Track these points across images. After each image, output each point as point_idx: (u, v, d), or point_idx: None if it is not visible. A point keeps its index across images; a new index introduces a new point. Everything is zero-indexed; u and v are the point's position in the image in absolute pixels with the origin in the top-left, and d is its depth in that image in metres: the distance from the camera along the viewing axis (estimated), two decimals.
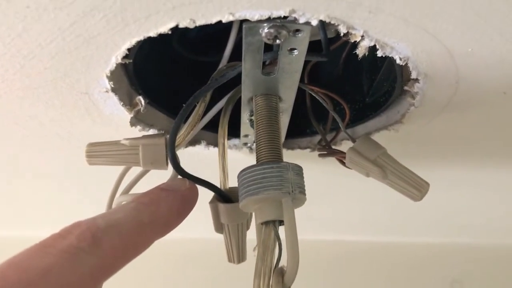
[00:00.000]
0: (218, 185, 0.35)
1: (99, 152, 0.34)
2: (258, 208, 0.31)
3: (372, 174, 0.34)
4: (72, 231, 0.23)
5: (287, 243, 0.29)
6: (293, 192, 0.30)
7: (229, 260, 0.37)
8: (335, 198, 0.65)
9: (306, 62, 0.37)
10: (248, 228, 0.37)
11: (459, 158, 0.47)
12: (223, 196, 0.35)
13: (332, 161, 0.38)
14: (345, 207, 0.69)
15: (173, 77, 0.42)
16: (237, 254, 0.37)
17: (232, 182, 0.35)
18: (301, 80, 0.36)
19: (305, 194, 0.31)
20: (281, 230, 0.30)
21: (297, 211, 0.33)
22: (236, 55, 0.32)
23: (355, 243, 0.84)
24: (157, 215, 0.26)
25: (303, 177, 0.32)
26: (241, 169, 0.31)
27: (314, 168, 0.48)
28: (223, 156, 0.36)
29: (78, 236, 0.22)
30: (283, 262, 0.29)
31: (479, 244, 0.84)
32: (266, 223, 0.30)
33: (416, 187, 0.32)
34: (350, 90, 0.41)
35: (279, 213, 0.30)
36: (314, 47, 0.32)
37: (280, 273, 0.29)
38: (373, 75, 0.38)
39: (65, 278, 0.21)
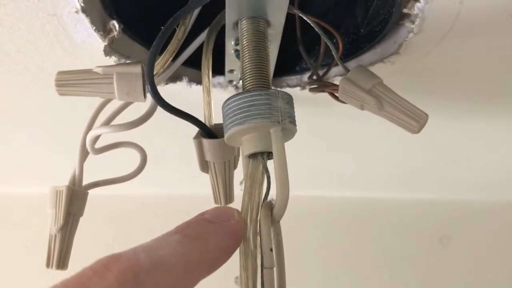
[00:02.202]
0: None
1: (70, 81, 0.31)
2: (245, 139, 0.28)
3: (367, 105, 0.31)
4: (111, 267, 0.19)
5: (276, 176, 0.27)
6: (282, 121, 0.28)
7: (216, 202, 0.35)
8: (325, 148, 0.63)
9: None
10: (235, 167, 0.35)
11: (455, 97, 0.45)
12: (208, 132, 0.32)
13: (323, 103, 0.36)
14: (334, 158, 0.67)
15: (153, 6, 0.38)
16: (224, 194, 0.34)
17: (218, 120, 0.33)
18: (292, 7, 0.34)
19: (295, 125, 0.29)
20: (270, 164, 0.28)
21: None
22: None
23: (343, 199, 0.83)
24: (206, 252, 0.23)
25: (293, 106, 0.29)
26: None
27: (303, 111, 0.46)
28: (207, 89, 0.34)
29: (118, 277, 0.19)
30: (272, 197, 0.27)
31: (468, 200, 0.84)
32: (253, 155, 0.28)
33: (414, 118, 0.30)
34: (343, 22, 0.39)
35: (267, 144, 0.28)
36: None
37: (269, 206, 0.27)
38: (369, 2, 0.35)
39: None
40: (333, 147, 0.63)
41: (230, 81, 0.40)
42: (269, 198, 0.28)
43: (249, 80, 0.29)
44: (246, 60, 0.30)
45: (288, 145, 0.29)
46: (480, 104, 0.46)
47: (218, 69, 0.38)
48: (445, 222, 0.86)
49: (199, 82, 0.40)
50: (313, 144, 0.61)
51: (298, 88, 0.41)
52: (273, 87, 0.29)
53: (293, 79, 0.41)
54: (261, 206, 0.27)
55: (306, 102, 0.42)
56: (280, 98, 0.28)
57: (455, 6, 0.29)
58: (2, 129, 0.52)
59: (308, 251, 0.85)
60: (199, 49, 0.35)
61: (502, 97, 0.44)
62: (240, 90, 0.33)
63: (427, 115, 0.30)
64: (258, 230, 0.26)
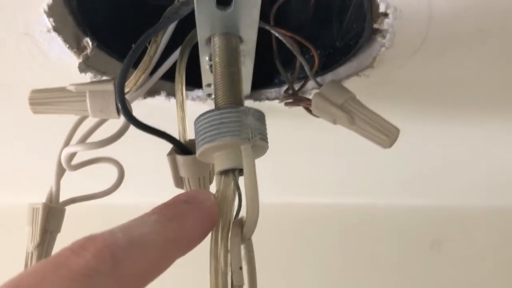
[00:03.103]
0: (177, 137, 0.33)
1: (43, 100, 0.31)
2: (216, 156, 0.29)
3: (339, 120, 0.31)
4: (87, 247, 0.19)
5: (246, 193, 0.27)
6: (253, 138, 0.28)
7: None
8: (309, 159, 0.64)
9: (272, 2, 0.34)
10: (211, 182, 0.35)
11: (433, 107, 0.45)
12: (182, 148, 0.32)
13: (302, 115, 0.36)
14: (320, 166, 0.67)
15: (128, 21, 0.39)
16: None
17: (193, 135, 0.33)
18: (267, 22, 0.34)
19: (267, 141, 0.29)
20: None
21: (264, 169, 0.30)
22: None
23: (333, 206, 0.83)
24: (183, 231, 0.23)
25: (265, 123, 0.29)
26: None
27: (288, 122, 0.46)
28: (181, 105, 0.34)
29: (95, 255, 0.19)
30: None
31: (458, 206, 0.84)
32: (225, 172, 0.28)
33: (384, 133, 0.30)
34: (320, 34, 0.39)
35: (238, 161, 0.28)
36: None
37: (239, 224, 0.27)
38: (343, 16, 0.36)
39: None
40: (323, 154, 0.63)
41: (209, 95, 0.40)
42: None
43: (220, 97, 0.30)
44: (218, 77, 0.30)
45: (277, 154, 0.29)
46: (458, 113, 0.46)
47: (198, 82, 0.38)
48: (436, 228, 0.86)
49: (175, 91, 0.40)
50: (302, 152, 0.61)
51: (277, 100, 0.41)
52: (245, 104, 0.29)
53: (272, 91, 0.41)
54: (232, 223, 0.27)
55: (289, 114, 0.42)
56: (251, 115, 0.28)
57: (425, 21, 0.29)
58: None
59: (299, 257, 0.85)
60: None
61: (478, 105, 0.44)
62: None
63: (398, 130, 0.31)
64: (228, 248, 0.27)
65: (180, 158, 0.32)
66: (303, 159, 0.64)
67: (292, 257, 0.86)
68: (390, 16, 0.28)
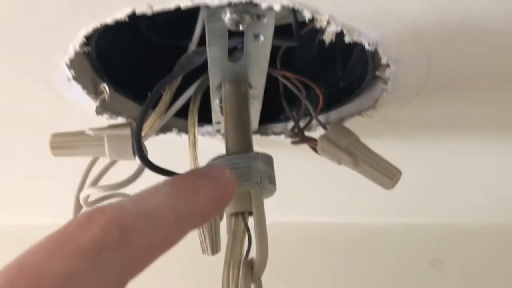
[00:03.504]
0: None
1: (63, 143, 0.33)
2: None
3: (344, 162, 0.33)
4: (95, 219, 0.18)
5: (255, 235, 0.28)
6: (262, 182, 0.29)
7: (203, 252, 0.36)
8: (313, 182, 0.65)
9: (278, 46, 0.36)
10: (221, 218, 0.36)
11: (433, 141, 0.47)
12: None
13: (307, 147, 0.37)
14: (323, 190, 0.69)
15: (141, 61, 0.40)
16: (211, 245, 0.36)
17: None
18: (273, 65, 0.36)
19: (275, 184, 0.31)
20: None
21: (276, 194, 0.32)
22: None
23: (333, 225, 0.84)
24: (195, 205, 0.22)
25: (273, 167, 0.31)
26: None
27: (289, 154, 0.48)
28: (193, 146, 0.35)
29: (103, 228, 0.18)
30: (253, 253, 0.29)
31: (459, 224, 0.85)
32: (235, 214, 0.30)
33: (387, 175, 0.32)
34: (324, 73, 0.40)
35: (248, 204, 0.29)
36: (286, 30, 0.31)
37: (249, 265, 0.29)
38: (347, 59, 0.37)
39: (87, 285, 0.17)
40: (326, 177, 0.65)
41: (218, 130, 0.42)
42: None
43: (231, 142, 0.31)
44: (228, 122, 0.32)
45: (282, 178, 0.31)
46: (458, 145, 0.48)
47: (207, 118, 0.40)
48: (437, 246, 0.87)
49: (188, 132, 0.42)
50: (306, 176, 0.63)
51: (283, 136, 0.42)
52: (254, 150, 0.31)
53: (278, 126, 0.43)
54: (242, 263, 0.29)
55: (293, 148, 0.44)
56: (260, 160, 0.30)
57: (424, 69, 0.31)
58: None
59: (300, 276, 0.86)
60: (187, 100, 0.36)
61: (474, 138, 0.46)
62: None
63: (400, 172, 0.32)
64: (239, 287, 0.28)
65: None
66: (307, 182, 0.66)
67: (294, 274, 0.87)
68: (392, 67, 0.30)
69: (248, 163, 0.29)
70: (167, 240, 0.20)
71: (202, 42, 0.34)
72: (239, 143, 0.31)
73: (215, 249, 0.37)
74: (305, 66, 0.41)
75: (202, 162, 0.35)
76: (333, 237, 0.87)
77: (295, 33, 0.32)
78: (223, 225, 0.35)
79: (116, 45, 0.35)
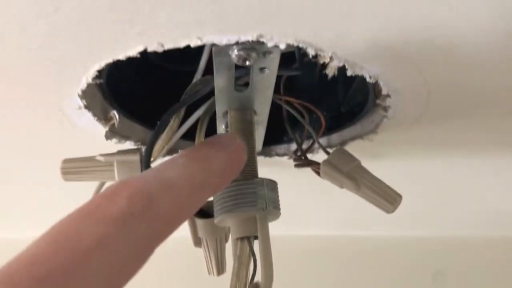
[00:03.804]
0: None
1: (74, 169, 0.34)
2: (233, 224, 0.31)
3: (346, 186, 0.34)
4: (120, 192, 0.20)
5: (261, 259, 0.29)
6: (267, 208, 0.30)
7: (209, 273, 0.38)
8: (315, 196, 0.66)
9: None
10: (226, 240, 0.37)
11: (435, 160, 0.48)
12: (200, 211, 0.35)
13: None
14: (325, 204, 0.70)
15: (149, 86, 0.42)
16: (216, 267, 0.37)
17: None
18: (277, 90, 0.37)
19: (279, 209, 0.32)
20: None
21: (282, 206, 0.33)
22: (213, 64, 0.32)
23: (336, 238, 0.85)
24: (210, 172, 0.23)
25: (277, 192, 0.32)
26: None
27: (292, 172, 0.49)
28: None
29: (129, 199, 0.19)
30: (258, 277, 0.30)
31: (460, 236, 0.85)
32: (241, 238, 0.31)
33: (388, 200, 0.33)
34: (326, 97, 0.42)
35: (253, 229, 0.30)
36: (289, 57, 0.32)
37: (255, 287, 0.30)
38: (348, 85, 0.38)
39: (119, 249, 0.18)
40: (327, 193, 0.66)
41: None
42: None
43: None
44: None
45: (285, 194, 0.32)
46: (457, 164, 0.49)
47: None
48: (438, 259, 0.88)
49: None
50: (307, 192, 0.64)
51: (286, 157, 0.43)
52: (259, 176, 0.32)
53: (281, 148, 0.44)
54: (248, 287, 0.30)
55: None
56: (265, 186, 0.31)
57: (423, 98, 0.32)
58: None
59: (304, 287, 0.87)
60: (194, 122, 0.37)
61: (473, 159, 0.47)
62: None
63: (400, 197, 0.33)
64: None
65: (199, 221, 0.35)
66: (309, 197, 0.67)
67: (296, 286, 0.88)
68: (392, 96, 0.31)
69: (254, 189, 0.30)
70: (187, 207, 0.22)
71: (208, 69, 0.35)
72: (245, 169, 0.32)
73: (220, 270, 0.38)
74: (307, 89, 0.42)
75: None
76: (335, 250, 0.88)
77: (298, 63, 0.33)
78: (228, 246, 0.36)
79: (125, 72, 0.36)
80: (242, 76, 0.32)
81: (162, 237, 0.20)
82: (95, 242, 0.18)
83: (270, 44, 0.25)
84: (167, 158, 0.42)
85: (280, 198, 0.32)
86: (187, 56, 0.40)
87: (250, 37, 0.24)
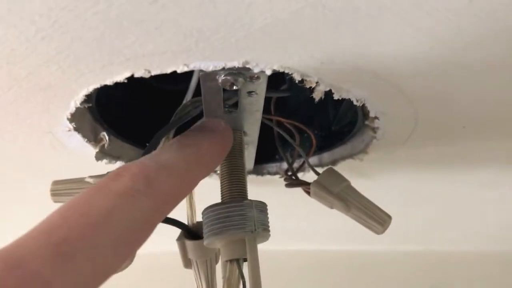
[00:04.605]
0: (186, 220, 0.36)
1: (64, 190, 0.34)
2: (222, 246, 0.31)
3: (336, 207, 0.34)
4: (123, 173, 0.22)
5: (250, 281, 0.29)
6: (256, 230, 0.30)
7: None
8: (311, 210, 0.66)
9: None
10: (216, 262, 0.37)
11: (427, 178, 0.48)
12: (190, 233, 0.35)
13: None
14: (320, 219, 0.70)
15: (138, 105, 0.42)
16: (207, 287, 0.37)
17: (201, 209, 0.35)
18: (268, 110, 0.37)
19: (269, 231, 0.32)
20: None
21: (274, 224, 0.33)
22: None
23: (332, 252, 0.85)
24: (201, 154, 0.26)
25: (267, 214, 0.32)
26: (209, 198, 0.32)
27: (285, 190, 0.49)
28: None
29: (131, 178, 0.22)
30: None
31: (456, 251, 0.85)
32: (230, 260, 0.31)
33: (378, 221, 0.33)
34: (317, 116, 0.42)
35: (243, 251, 0.30)
36: (279, 76, 0.32)
37: None
38: (338, 104, 0.39)
39: (126, 220, 0.20)
40: (319, 206, 0.66)
41: (215, 171, 0.43)
42: None
43: (226, 191, 0.32)
44: (223, 172, 0.33)
45: (280, 210, 0.31)
46: (449, 180, 0.49)
47: None
48: (434, 273, 0.88)
49: None
50: (302, 208, 0.64)
51: (278, 176, 0.43)
52: (248, 198, 0.32)
53: (273, 166, 0.44)
54: None
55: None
56: (254, 207, 0.31)
57: (412, 121, 0.32)
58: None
59: None
60: None
61: (466, 176, 0.47)
62: None
63: (390, 218, 0.33)
64: None
65: (189, 243, 0.35)
66: (302, 212, 0.67)
67: None
68: (380, 118, 0.31)
69: (243, 212, 0.30)
70: (184, 185, 0.25)
71: (198, 88, 0.35)
72: (234, 191, 0.32)
73: None
74: (298, 109, 0.42)
75: (197, 200, 0.37)
76: (331, 264, 0.87)
77: (287, 84, 0.33)
78: (219, 267, 0.36)
79: (114, 94, 0.36)
80: (231, 97, 0.32)
81: (165, 211, 0.23)
82: (105, 212, 0.20)
83: (256, 70, 0.25)
84: None
85: (272, 212, 0.32)
86: (176, 75, 0.41)
87: (237, 63, 0.25)
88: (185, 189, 0.25)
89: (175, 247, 0.36)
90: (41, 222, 0.19)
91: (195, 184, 0.26)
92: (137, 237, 0.21)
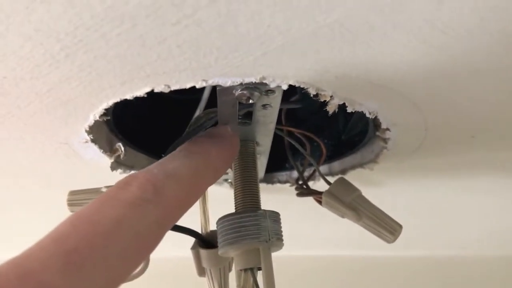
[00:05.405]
0: (200, 229, 0.36)
1: (79, 201, 0.34)
2: (236, 255, 0.32)
3: (347, 216, 0.35)
4: (132, 183, 0.22)
5: None
6: (270, 240, 0.31)
7: None
8: (318, 218, 0.67)
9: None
10: (230, 270, 0.38)
11: (434, 183, 0.48)
12: (204, 241, 0.36)
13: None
14: (328, 225, 0.70)
15: (152, 115, 0.42)
16: None
17: (214, 218, 0.36)
18: (279, 120, 0.37)
19: (282, 240, 0.32)
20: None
21: (285, 230, 0.33)
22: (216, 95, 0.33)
23: (337, 258, 0.86)
24: (209, 161, 0.26)
25: (280, 223, 0.33)
26: (222, 207, 0.32)
27: (295, 199, 0.49)
28: (203, 200, 0.37)
29: (140, 187, 0.22)
30: None
31: (458, 256, 0.86)
32: (245, 270, 0.31)
33: (389, 230, 0.33)
34: (327, 125, 0.42)
35: (257, 260, 0.31)
36: (290, 89, 0.32)
37: None
38: (348, 114, 0.39)
39: (135, 229, 0.21)
40: (327, 215, 0.66)
41: (226, 179, 0.44)
42: None
43: (240, 201, 0.33)
44: (237, 181, 0.33)
45: (289, 216, 0.32)
46: (457, 189, 0.49)
47: None
48: (436, 278, 0.88)
49: None
50: (307, 216, 0.64)
51: (288, 184, 0.44)
52: (262, 208, 0.32)
53: (283, 175, 0.45)
54: None
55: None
56: (268, 217, 0.31)
57: (422, 132, 0.33)
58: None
59: None
60: None
61: (472, 183, 0.48)
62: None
63: (401, 227, 0.34)
64: None
65: (203, 252, 0.35)
66: (310, 219, 0.67)
67: None
68: (391, 130, 0.32)
69: (257, 221, 0.31)
70: (192, 192, 0.25)
71: (212, 99, 0.36)
72: (248, 201, 0.33)
73: None
74: (308, 118, 0.43)
75: (211, 209, 0.37)
76: (335, 270, 0.88)
77: (299, 96, 0.34)
78: (232, 275, 0.36)
79: (128, 105, 0.37)
80: (245, 108, 0.32)
81: (174, 218, 0.23)
82: (114, 221, 0.20)
83: (273, 85, 0.26)
84: None
85: (282, 220, 0.33)
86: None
87: (254, 79, 0.25)
88: (193, 197, 0.25)
89: (179, 253, 0.37)
90: (51, 231, 0.20)
91: (203, 191, 0.26)
92: (146, 245, 0.21)
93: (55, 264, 0.18)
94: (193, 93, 0.39)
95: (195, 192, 0.25)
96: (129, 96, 0.27)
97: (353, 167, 0.40)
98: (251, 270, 0.31)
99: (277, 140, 0.40)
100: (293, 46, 0.22)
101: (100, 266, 0.19)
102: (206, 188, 0.27)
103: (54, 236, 0.19)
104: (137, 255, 0.21)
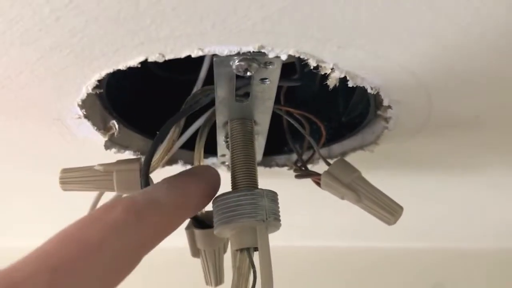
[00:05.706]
0: None
1: (73, 178, 0.33)
2: (232, 235, 0.31)
3: (347, 197, 0.34)
4: (116, 206, 0.24)
5: (261, 270, 0.29)
6: (267, 219, 0.30)
7: (207, 283, 0.37)
8: (317, 207, 0.66)
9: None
10: (225, 251, 0.37)
11: (436, 173, 0.47)
12: (199, 222, 0.35)
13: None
14: (327, 214, 0.70)
15: (148, 95, 0.42)
16: (215, 277, 0.37)
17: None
18: (277, 101, 0.37)
19: (279, 221, 0.31)
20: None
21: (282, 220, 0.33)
22: (213, 73, 0.32)
23: (337, 249, 0.85)
24: (188, 196, 0.28)
25: (277, 203, 0.32)
26: (219, 190, 0.32)
27: (293, 183, 0.49)
28: None
29: (123, 211, 0.23)
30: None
31: (459, 249, 0.85)
32: (240, 250, 0.30)
33: (389, 211, 0.32)
34: (326, 107, 0.41)
35: (253, 240, 0.30)
36: (289, 67, 0.32)
37: None
38: (349, 95, 0.38)
39: (117, 250, 0.22)
40: (327, 205, 0.66)
41: (223, 162, 0.43)
42: None
43: (237, 179, 0.32)
44: (234, 159, 0.33)
45: (287, 202, 0.31)
46: (457, 177, 0.48)
47: (212, 149, 0.41)
48: (438, 270, 0.87)
49: (193, 163, 0.42)
50: (307, 204, 0.63)
51: (286, 167, 0.43)
52: (259, 187, 0.31)
53: (281, 158, 0.44)
54: None
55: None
56: (265, 197, 0.31)
57: (425, 110, 0.32)
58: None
59: None
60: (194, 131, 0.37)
61: (475, 171, 0.47)
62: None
63: (401, 208, 0.33)
64: None
65: (197, 232, 0.34)
66: (309, 208, 0.67)
67: None
68: (393, 108, 0.31)
69: (254, 200, 0.30)
70: (170, 223, 0.26)
71: (208, 79, 0.35)
72: (245, 180, 0.32)
73: (218, 281, 0.37)
74: (308, 100, 0.42)
75: None
76: (335, 261, 0.87)
77: (299, 74, 0.33)
78: (227, 256, 0.35)
79: (124, 81, 0.36)
80: (242, 86, 0.32)
81: (151, 244, 0.25)
82: (98, 241, 0.22)
83: (271, 55, 0.25)
84: (167, 167, 0.43)
85: (280, 208, 0.32)
86: (187, 65, 0.40)
87: (252, 47, 0.24)
88: (171, 227, 0.26)
89: (180, 242, 0.36)
90: (39, 247, 0.21)
91: (181, 222, 0.28)
92: (124, 267, 0.23)
93: (39, 280, 0.19)
94: (191, 73, 0.38)
95: (175, 221, 0.27)
96: (122, 66, 0.26)
97: (353, 149, 0.39)
98: (247, 250, 0.30)
99: (276, 122, 0.39)
100: (295, 9, 0.21)
101: (81, 283, 0.21)
102: (184, 220, 0.29)
103: (42, 252, 0.21)
104: (116, 274, 0.22)
